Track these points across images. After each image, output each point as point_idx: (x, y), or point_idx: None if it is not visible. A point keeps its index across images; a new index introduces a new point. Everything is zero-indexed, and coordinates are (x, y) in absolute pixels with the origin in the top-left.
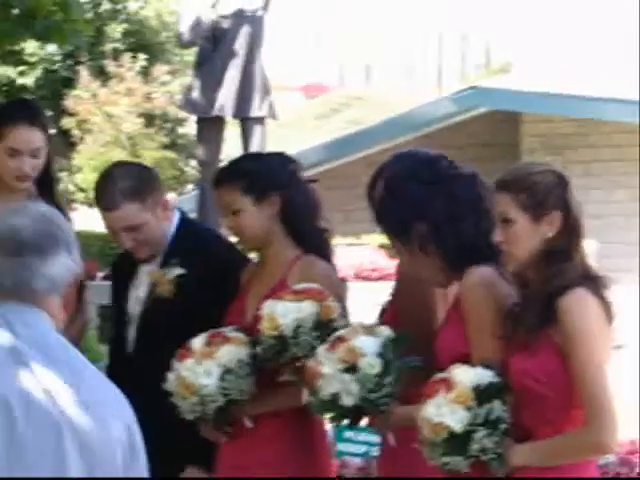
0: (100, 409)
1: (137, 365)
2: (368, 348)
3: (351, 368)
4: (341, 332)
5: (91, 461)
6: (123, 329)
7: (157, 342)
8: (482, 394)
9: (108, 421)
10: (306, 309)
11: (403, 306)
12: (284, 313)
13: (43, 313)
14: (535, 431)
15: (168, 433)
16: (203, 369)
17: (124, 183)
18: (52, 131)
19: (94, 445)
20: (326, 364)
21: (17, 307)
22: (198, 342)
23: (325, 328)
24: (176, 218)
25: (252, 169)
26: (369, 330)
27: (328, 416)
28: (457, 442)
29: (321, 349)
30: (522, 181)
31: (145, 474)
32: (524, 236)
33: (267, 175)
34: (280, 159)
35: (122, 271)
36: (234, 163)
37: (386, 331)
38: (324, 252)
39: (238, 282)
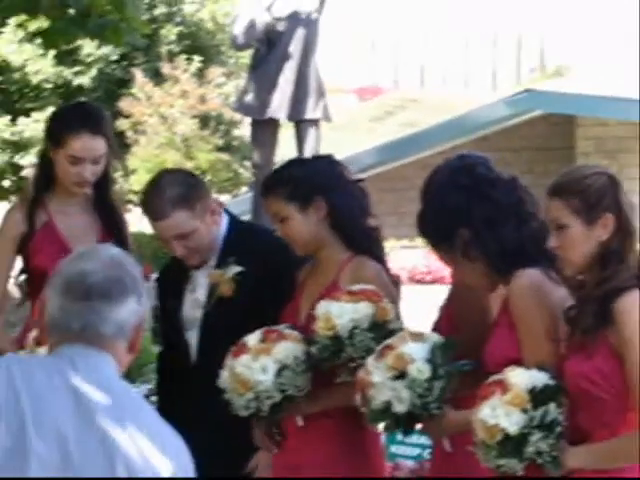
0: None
1: (203, 369)
2: (416, 354)
3: (400, 375)
4: (388, 341)
5: None
6: (179, 337)
7: (222, 343)
8: (538, 396)
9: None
10: (362, 310)
11: (459, 310)
12: (340, 314)
13: (109, 357)
14: (591, 433)
15: (233, 440)
16: (259, 365)
17: (172, 191)
18: None
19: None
20: (376, 373)
21: (84, 350)
22: (253, 339)
23: (381, 329)
24: (225, 221)
25: (294, 175)
26: (417, 337)
27: (382, 425)
28: (512, 444)
29: (370, 359)
30: (573, 185)
31: None
32: (579, 241)
33: (310, 180)
34: (324, 162)
35: (172, 278)
36: (277, 171)
37: (434, 337)
38: (375, 252)
39: (295, 281)
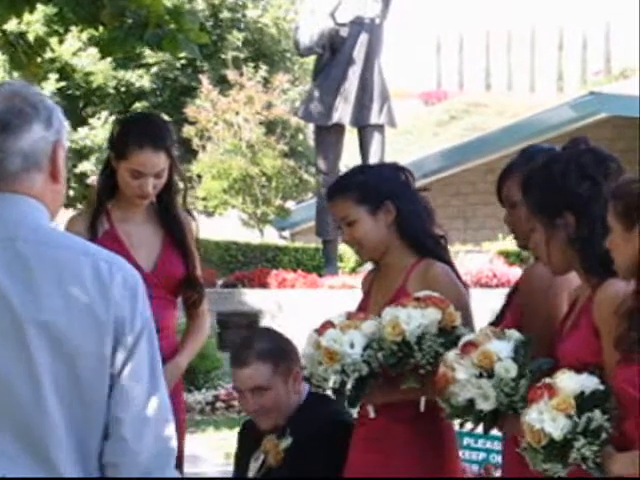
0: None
1: None
2: (502, 352)
3: (486, 373)
4: (470, 337)
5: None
6: None
7: None
8: (584, 402)
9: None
10: (430, 315)
11: (526, 308)
12: (408, 319)
13: (20, 198)
14: (638, 441)
15: None
16: (348, 338)
17: (260, 344)
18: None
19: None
20: (460, 370)
21: None
22: (338, 318)
23: (448, 335)
24: (305, 391)
25: (364, 180)
26: (498, 334)
27: (461, 421)
28: (557, 449)
29: (450, 354)
30: (619, 190)
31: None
32: (619, 245)
33: (380, 184)
34: (391, 169)
35: (247, 441)
36: (345, 176)
37: (515, 334)
38: (442, 258)
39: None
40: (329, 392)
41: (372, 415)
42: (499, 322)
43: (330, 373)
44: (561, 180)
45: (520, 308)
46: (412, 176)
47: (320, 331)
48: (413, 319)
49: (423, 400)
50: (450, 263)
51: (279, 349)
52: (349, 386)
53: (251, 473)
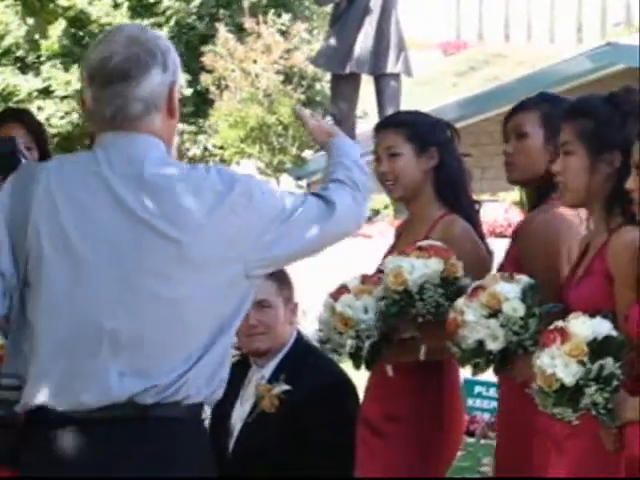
0: None
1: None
2: (510, 293)
3: (494, 313)
4: (479, 282)
5: None
6: (221, 441)
7: (253, 458)
8: (597, 349)
9: None
10: (432, 266)
11: (526, 256)
12: (410, 269)
13: (144, 137)
14: None
15: None
16: (361, 304)
17: None
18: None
19: None
20: (468, 312)
21: (119, 139)
22: (352, 282)
23: (450, 285)
24: (293, 337)
25: (417, 120)
26: (507, 278)
27: (473, 364)
28: (568, 395)
29: (460, 300)
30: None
31: None
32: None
33: (430, 130)
34: (441, 121)
35: (230, 380)
36: (400, 113)
37: (524, 278)
38: (470, 218)
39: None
40: (345, 356)
41: (390, 374)
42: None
43: (346, 339)
44: (622, 119)
45: (518, 256)
46: (458, 136)
47: (335, 296)
48: (416, 269)
49: (423, 348)
50: (476, 225)
51: (283, 274)
52: (364, 351)
53: (238, 418)
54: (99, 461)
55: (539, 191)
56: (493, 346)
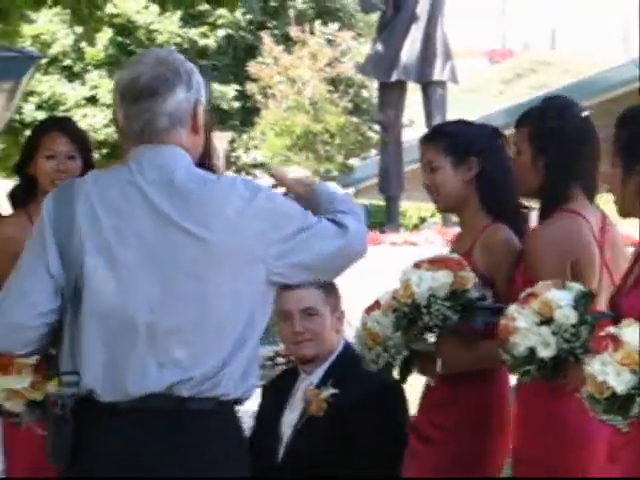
0: None
1: None
2: (562, 300)
3: (546, 321)
4: (531, 289)
5: None
6: (271, 450)
7: (303, 466)
8: None
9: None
10: (440, 278)
11: (530, 269)
12: (419, 282)
13: (172, 148)
14: None
15: None
16: (389, 320)
17: None
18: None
19: None
20: (520, 319)
21: (149, 151)
22: (384, 297)
23: (458, 298)
24: (341, 344)
25: (457, 131)
26: (558, 285)
27: (524, 371)
28: (618, 403)
29: (512, 307)
30: None
31: None
32: None
33: (470, 140)
34: (489, 129)
35: (275, 397)
36: (442, 125)
37: (576, 286)
38: (517, 225)
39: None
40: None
41: (432, 384)
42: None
43: (374, 354)
44: None
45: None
46: (507, 142)
47: (368, 311)
48: (423, 281)
49: (439, 362)
50: (524, 234)
51: (330, 283)
52: (396, 366)
53: (287, 424)
54: (136, 450)
55: (542, 203)
56: (544, 353)
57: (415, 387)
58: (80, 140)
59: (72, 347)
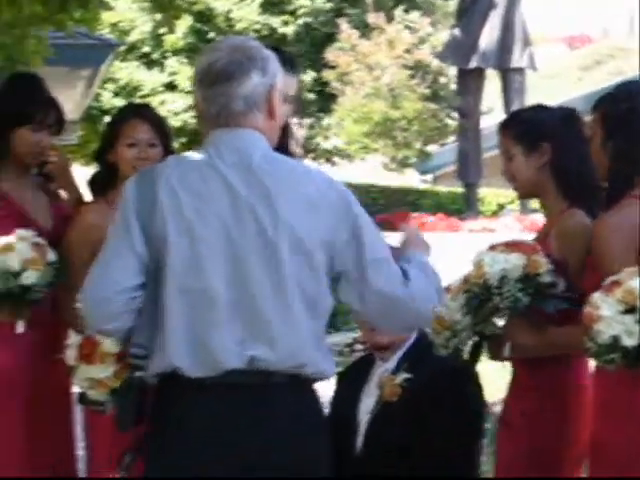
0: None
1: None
2: None
3: (630, 309)
4: (614, 277)
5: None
6: (350, 439)
7: (382, 453)
8: None
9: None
10: (513, 260)
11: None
12: (492, 262)
13: (248, 131)
14: None
15: None
16: (458, 305)
17: None
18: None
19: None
20: (604, 307)
21: (226, 135)
22: (455, 282)
23: (530, 281)
24: (416, 331)
25: (528, 118)
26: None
27: (607, 359)
28: None
29: (596, 294)
30: None
31: None
32: None
33: (541, 126)
34: (561, 112)
35: (351, 383)
36: (518, 111)
37: None
38: (592, 209)
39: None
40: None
41: (506, 354)
42: None
43: (442, 339)
44: None
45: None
46: (582, 124)
47: None
48: (496, 262)
49: (508, 346)
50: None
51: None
52: (466, 350)
53: (364, 411)
54: (221, 425)
55: (609, 189)
56: (628, 342)
57: (488, 372)
58: (160, 127)
59: (149, 323)
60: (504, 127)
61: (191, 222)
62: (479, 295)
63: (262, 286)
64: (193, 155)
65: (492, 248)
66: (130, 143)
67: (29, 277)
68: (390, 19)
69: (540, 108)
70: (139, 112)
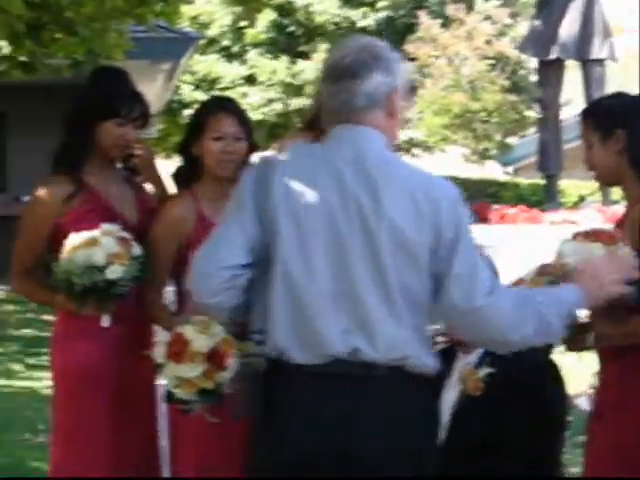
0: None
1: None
2: None
3: None
4: None
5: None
6: None
7: (466, 448)
8: None
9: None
10: (592, 250)
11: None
12: (571, 252)
13: (368, 129)
14: None
15: None
16: None
17: None
18: None
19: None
20: None
21: (347, 132)
22: (529, 274)
23: None
24: None
25: (604, 106)
26: None
27: None
28: None
29: None
30: None
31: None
32: None
33: (614, 112)
34: (636, 100)
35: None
36: (597, 100)
37: None
38: None
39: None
40: None
41: (590, 342)
42: None
43: None
44: None
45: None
46: None
47: (514, 285)
48: (576, 252)
49: (592, 335)
50: None
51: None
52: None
53: (446, 405)
54: (322, 414)
55: None
56: None
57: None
58: (245, 121)
59: (262, 308)
60: (584, 115)
61: (300, 213)
62: (557, 284)
63: (364, 279)
64: (311, 148)
65: (574, 237)
66: (216, 137)
67: (114, 271)
68: (469, 10)
69: (618, 95)
70: (225, 106)
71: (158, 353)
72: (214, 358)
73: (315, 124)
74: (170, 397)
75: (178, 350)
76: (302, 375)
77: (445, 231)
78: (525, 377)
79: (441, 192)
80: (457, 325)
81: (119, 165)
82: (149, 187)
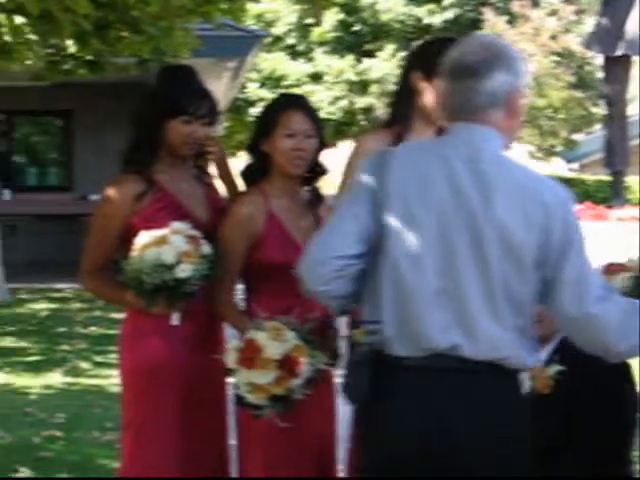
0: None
1: None
2: None
3: None
4: None
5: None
6: None
7: (535, 446)
8: None
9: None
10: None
11: None
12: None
13: (486, 129)
14: None
15: None
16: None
17: None
18: None
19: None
20: None
21: (464, 129)
22: (604, 265)
23: None
24: None
25: None
26: None
27: None
28: None
29: None
30: None
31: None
32: None
33: None
34: None
35: None
36: None
37: None
38: None
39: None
40: None
41: None
42: None
43: None
44: None
45: None
46: None
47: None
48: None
49: None
50: None
51: None
52: None
53: None
54: (419, 407)
55: None
56: None
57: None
58: (316, 118)
59: (373, 299)
60: None
61: (412, 208)
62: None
63: (469, 278)
64: (428, 143)
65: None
66: (288, 134)
67: (184, 270)
68: (535, 4)
69: None
70: (296, 103)
71: (230, 359)
72: (286, 365)
73: (392, 123)
74: (240, 401)
75: (250, 356)
76: (403, 368)
77: (555, 236)
78: (598, 376)
79: (553, 197)
80: (566, 330)
81: (190, 163)
82: (219, 185)
